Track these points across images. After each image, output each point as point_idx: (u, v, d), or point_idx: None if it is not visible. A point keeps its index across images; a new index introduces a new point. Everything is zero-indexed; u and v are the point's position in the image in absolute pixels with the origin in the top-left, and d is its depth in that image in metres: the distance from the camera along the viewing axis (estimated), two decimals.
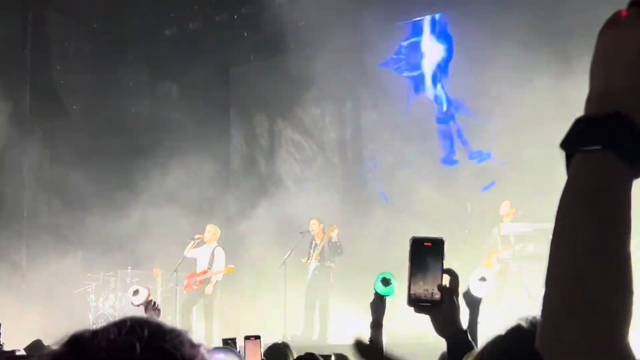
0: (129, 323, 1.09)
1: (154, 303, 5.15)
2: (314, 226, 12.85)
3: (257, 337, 3.91)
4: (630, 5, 0.94)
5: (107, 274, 14.18)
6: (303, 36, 15.19)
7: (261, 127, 16.66)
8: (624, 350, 0.86)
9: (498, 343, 1.38)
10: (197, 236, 13.26)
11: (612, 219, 0.88)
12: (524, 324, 1.46)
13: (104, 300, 14.05)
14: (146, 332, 1.07)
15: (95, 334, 1.10)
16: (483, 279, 3.96)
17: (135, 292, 5.28)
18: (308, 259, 12.74)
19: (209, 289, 12.84)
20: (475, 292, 3.79)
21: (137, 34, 15.63)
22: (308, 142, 15.95)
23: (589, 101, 0.95)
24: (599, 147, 0.91)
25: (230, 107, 17.12)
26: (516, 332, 1.39)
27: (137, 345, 1.05)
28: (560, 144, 0.94)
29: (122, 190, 14.57)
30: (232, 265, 12.95)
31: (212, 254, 13.04)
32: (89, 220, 14.38)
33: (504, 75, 13.47)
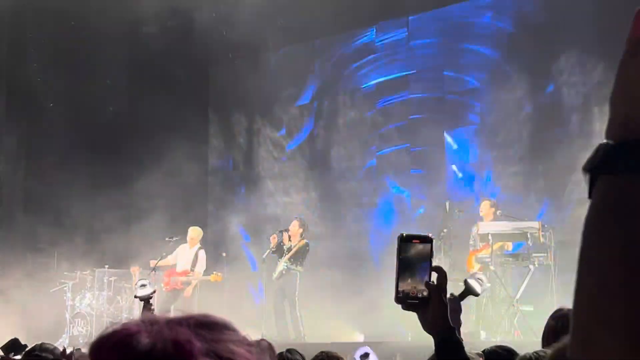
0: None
1: (152, 306, 5.12)
2: (294, 227, 12.80)
3: None
4: None
5: (84, 272, 14.09)
6: (282, 35, 15.19)
7: (239, 126, 16.64)
8: None
9: None
10: (174, 238, 13.23)
11: None
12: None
13: (81, 298, 13.96)
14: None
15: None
16: (480, 280, 4.03)
17: (142, 286, 5.24)
18: (280, 257, 12.63)
19: (188, 291, 12.83)
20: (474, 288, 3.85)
21: (115, 31, 15.54)
22: (287, 140, 15.95)
23: (612, 127, 0.97)
24: (626, 171, 0.93)
25: (208, 106, 17.08)
26: None
27: None
28: (583, 167, 0.97)
29: (99, 189, 14.49)
30: (220, 274, 12.89)
31: (196, 256, 12.99)
32: (65, 218, 14.29)
33: (482, 75, 13.54)
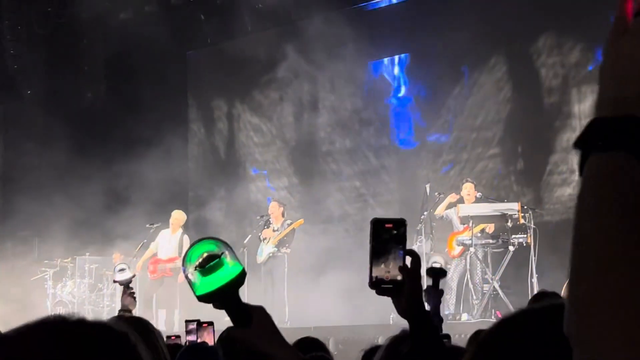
0: (49, 324, 1.09)
1: (132, 290, 5.09)
2: (273, 209, 12.78)
3: (210, 324, 3.84)
4: (636, 15, 0.98)
5: (65, 260, 14.03)
6: (260, 18, 15.11)
7: (219, 111, 16.57)
8: None
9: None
10: (154, 225, 13.18)
11: (637, 215, 0.92)
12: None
13: (62, 287, 13.92)
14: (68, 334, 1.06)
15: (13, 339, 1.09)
16: (437, 262, 4.05)
17: (121, 270, 5.20)
18: (265, 241, 12.63)
19: (181, 277, 12.75)
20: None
21: (91, 17, 15.41)
22: (267, 125, 15.91)
23: (601, 104, 0.98)
24: (617, 149, 0.94)
25: (187, 91, 16.99)
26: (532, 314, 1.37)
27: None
28: (574, 144, 0.97)
29: (78, 176, 14.40)
30: None
31: (181, 241, 12.89)
32: (45, 206, 14.21)
33: (463, 56, 13.56)
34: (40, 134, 14.75)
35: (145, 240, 13.20)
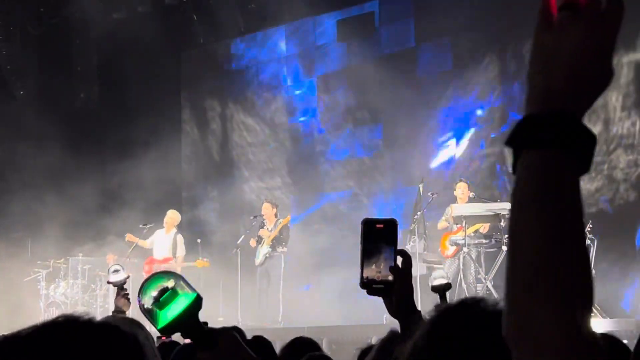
0: (60, 324, 1.09)
1: (126, 292, 5.07)
2: (266, 209, 12.78)
3: (204, 324, 3.85)
4: (560, 9, 0.99)
5: (58, 261, 14.00)
6: (253, 19, 15.11)
7: (213, 112, 16.56)
8: (591, 334, 0.91)
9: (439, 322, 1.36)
10: (148, 225, 13.17)
11: (570, 211, 0.94)
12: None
13: (55, 287, 13.88)
14: (78, 333, 1.06)
15: (25, 339, 1.08)
16: (441, 277, 4.17)
17: (116, 271, 5.18)
18: (260, 244, 12.65)
19: None
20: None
21: (85, 17, 15.38)
22: (260, 125, 15.90)
23: (531, 99, 0.98)
24: (549, 146, 0.95)
25: (180, 92, 16.97)
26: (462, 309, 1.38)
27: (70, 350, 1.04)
28: (505, 142, 0.98)
29: (71, 176, 14.37)
30: (207, 259, 12.84)
31: (174, 241, 12.91)
32: (38, 207, 14.17)
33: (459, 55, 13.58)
34: (33, 135, 14.70)
35: (139, 241, 13.18)
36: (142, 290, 1.70)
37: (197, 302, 1.70)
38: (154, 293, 1.68)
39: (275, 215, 12.69)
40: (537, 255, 0.92)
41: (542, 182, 0.95)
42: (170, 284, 1.69)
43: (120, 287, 5.08)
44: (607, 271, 10.51)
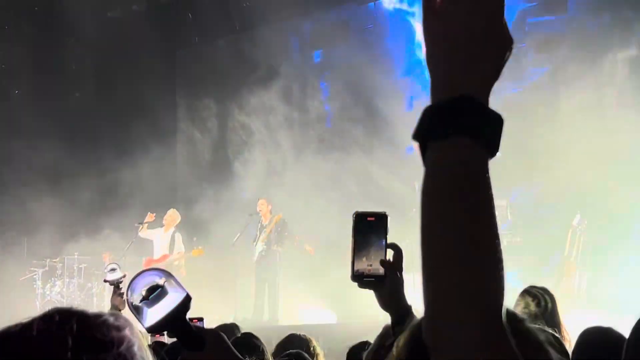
0: (56, 316, 1.07)
1: (122, 290, 5.07)
2: (262, 206, 12.80)
3: (200, 319, 3.87)
4: None
5: (54, 260, 13.99)
6: (248, 17, 15.09)
7: (208, 110, 16.54)
8: (502, 332, 0.88)
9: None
10: (147, 218, 13.18)
11: (480, 201, 0.91)
12: None
13: (51, 286, 13.87)
14: (74, 323, 1.05)
15: (24, 328, 1.07)
16: None
17: (112, 270, 5.18)
18: (254, 241, 12.67)
19: (182, 272, 12.79)
20: None
21: (79, 16, 15.34)
22: (255, 124, 15.89)
23: (434, 89, 0.96)
24: (454, 134, 0.91)
25: (176, 91, 16.95)
26: None
27: (69, 339, 1.03)
28: (412, 136, 0.95)
29: (66, 175, 14.36)
30: (201, 248, 12.89)
31: (172, 239, 12.97)
32: (33, 206, 14.14)
33: None
34: (28, 134, 14.67)
35: (134, 239, 13.18)
36: (131, 286, 1.66)
37: (186, 302, 1.66)
38: (143, 290, 1.65)
39: (270, 212, 12.72)
40: (450, 253, 0.89)
41: (449, 174, 0.91)
42: (160, 281, 1.66)
43: (117, 285, 5.09)
44: None
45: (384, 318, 2.34)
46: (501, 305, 0.89)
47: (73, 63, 16.04)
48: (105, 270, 5.27)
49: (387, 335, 2.31)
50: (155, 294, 1.64)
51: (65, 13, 15.22)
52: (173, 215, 13.16)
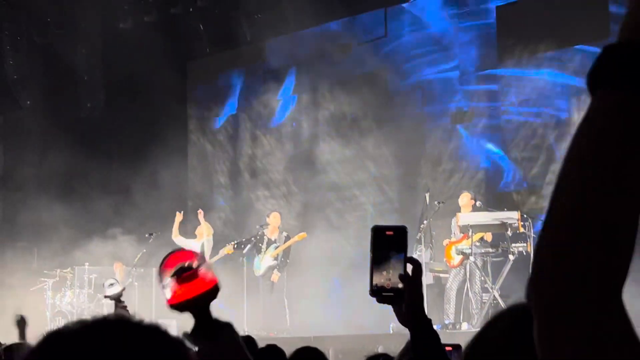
0: (111, 322, 1.05)
1: (124, 304, 5.06)
2: (275, 219, 12.76)
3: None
4: None
5: (64, 270, 14.01)
6: (259, 28, 15.13)
7: (218, 121, 16.57)
8: (620, 305, 0.80)
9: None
10: (153, 234, 13.20)
11: (633, 159, 0.80)
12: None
13: (61, 297, 13.89)
14: (129, 332, 1.03)
15: (75, 334, 1.04)
16: None
17: (111, 285, 5.18)
18: (258, 252, 12.59)
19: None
20: None
21: (91, 27, 15.43)
22: (266, 134, 15.91)
23: (623, 29, 0.84)
24: (627, 87, 0.80)
25: (187, 101, 17.00)
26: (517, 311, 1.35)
27: (122, 348, 1.01)
28: (587, 76, 0.84)
29: (77, 186, 14.40)
30: (233, 243, 12.92)
31: (203, 248, 12.96)
32: (45, 216, 14.19)
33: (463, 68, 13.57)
34: (39, 144, 14.74)
35: (145, 250, 13.19)
36: (166, 261, 1.67)
37: (216, 289, 1.68)
38: (176, 267, 1.66)
39: (278, 228, 12.68)
40: (586, 205, 0.80)
41: (606, 127, 0.81)
42: (194, 264, 1.67)
43: (118, 299, 5.06)
44: None
45: (397, 330, 2.32)
46: (623, 282, 0.80)
47: (85, 74, 16.11)
48: (105, 286, 5.24)
49: (407, 352, 2.29)
50: (188, 274, 1.65)
51: (77, 24, 15.31)
52: (206, 229, 13.22)
